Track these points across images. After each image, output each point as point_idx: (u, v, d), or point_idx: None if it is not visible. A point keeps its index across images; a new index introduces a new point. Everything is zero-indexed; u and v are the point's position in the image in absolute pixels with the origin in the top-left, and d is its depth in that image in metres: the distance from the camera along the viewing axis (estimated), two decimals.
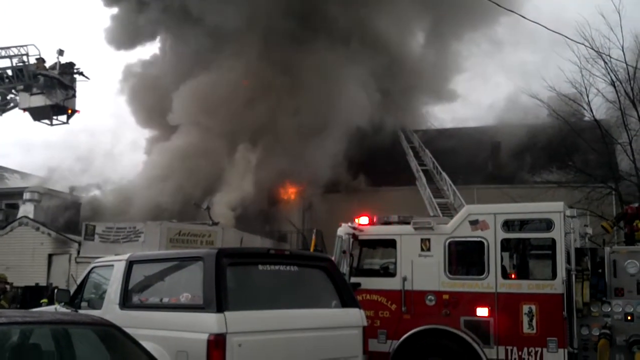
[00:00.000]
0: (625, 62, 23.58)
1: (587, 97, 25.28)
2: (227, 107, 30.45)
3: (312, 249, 21.83)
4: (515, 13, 16.02)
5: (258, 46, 31.98)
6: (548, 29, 16.33)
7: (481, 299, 10.41)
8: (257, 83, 31.25)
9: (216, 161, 30.65)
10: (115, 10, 35.57)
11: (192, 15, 32.11)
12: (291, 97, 31.90)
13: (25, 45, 33.85)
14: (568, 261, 10.16)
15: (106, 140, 48.72)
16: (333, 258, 10.25)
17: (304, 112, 31.87)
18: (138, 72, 36.05)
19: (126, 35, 35.28)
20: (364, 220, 11.67)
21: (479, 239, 10.64)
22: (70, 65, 34.53)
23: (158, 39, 36.00)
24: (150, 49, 36.84)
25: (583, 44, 22.78)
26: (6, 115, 35.51)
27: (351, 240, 11.35)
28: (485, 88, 63.72)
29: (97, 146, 38.14)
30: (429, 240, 10.99)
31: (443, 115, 40.72)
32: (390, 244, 11.37)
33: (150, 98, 33.53)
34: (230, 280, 7.39)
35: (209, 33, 31.95)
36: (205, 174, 30.11)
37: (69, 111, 34.45)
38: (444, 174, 28.74)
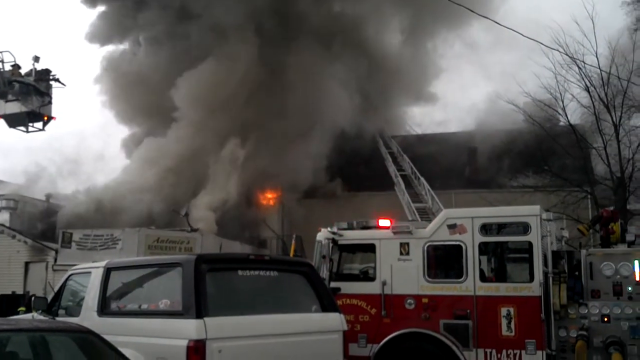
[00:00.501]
0: (599, 68, 23.98)
1: (562, 103, 25.69)
2: (221, 105, 30.42)
3: (291, 254, 21.82)
4: (490, 19, 16.12)
5: (252, 44, 31.94)
6: (523, 35, 16.49)
7: (460, 302, 10.47)
8: (248, 82, 31.21)
9: (204, 159, 30.53)
10: (99, 9, 35.50)
11: (190, 12, 31.94)
12: (277, 97, 31.94)
13: (0, 52, 33.48)
14: (545, 264, 10.26)
15: (84, 146, 48.11)
16: (313, 263, 10.25)
17: (288, 114, 31.93)
18: (119, 66, 35.51)
19: (114, 31, 35.11)
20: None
21: (457, 243, 10.71)
22: (46, 71, 34.18)
23: (141, 36, 35.62)
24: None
25: (557, 50, 23.16)
26: None
27: (331, 245, 11.37)
28: (461, 93, 64.10)
29: (74, 152, 37.56)
30: (407, 244, 11.03)
31: (421, 118, 40.91)
32: (369, 248, 11.40)
33: (133, 93, 33.18)
34: (210, 286, 7.37)
35: (208, 28, 31.82)
36: (193, 172, 29.98)
37: (45, 118, 34.06)
38: (422, 179, 28.92)
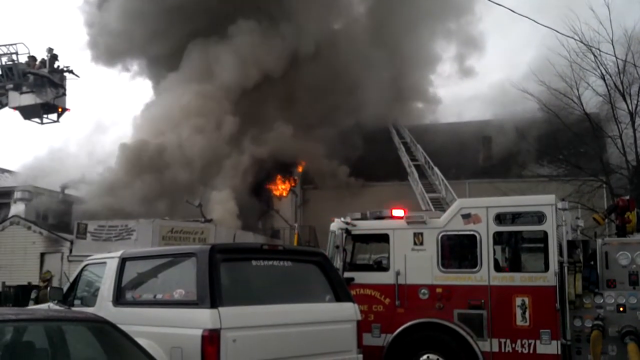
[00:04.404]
0: (615, 56, 23.76)
1: (577, 91, 25.47)
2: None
3: (295, 243, 21.98)
4: (506, 7, 15.97)
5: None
6: (538, 22, 16.40)
7: (474, 291, 10.44)
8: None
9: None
10: None
11: None
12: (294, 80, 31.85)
13: (15, 44, 33.66)
14: (560, 253, 10.20)
15: (97, 137, 48.33)
16: (326, 253, 10.25)
17: (304, 100, 31.86)
18: None
19: None
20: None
21: (471, 233, 10.66)
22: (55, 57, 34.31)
23: None
24: None
25: (573, 38, 22.99)
26: None
27: (344, 235, 11.36)
28: (475, 81, 63.66)
29: (89, 143, 37.77)
30: (421, 234, 10.99)
31: (437, 106, 40.64)
32: (383, 238, 11.38)
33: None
34: (224, 276, 7.39)
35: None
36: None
37: (60, 109, 34.29)
38: (435, 168, 28.89)
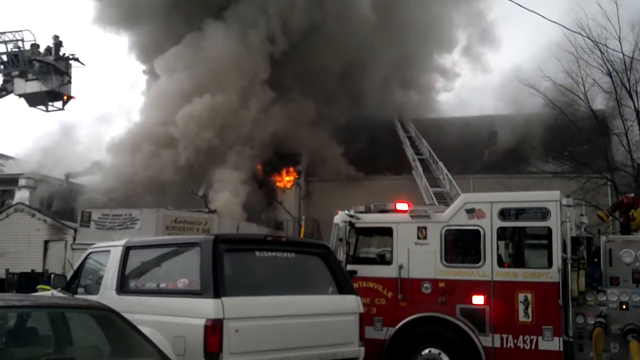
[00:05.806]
0: (622, 53, 23.65)
1: (584, 88, 25.36)
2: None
3: (302, 236, 22.01)
4: (512, 1, 15.88)
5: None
6: (545, 17, 16.33)
7: (477, 287, 10.43)
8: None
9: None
10: None
11: None
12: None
13: (20, 31, 33.65)
14: (564, 250, 10.16)
15: (102, 125, 48.25)
16: (330, 245, 10.25)
17: (310, 87, 31.72)
18: None
19: None
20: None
21: (475, 228, 10.63)
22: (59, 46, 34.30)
23: None
24: None
25: (580, 34, 22.86)
26: (1, 101, 35.41)
27: (348, 228, 11.36)
28: (481, 76, 63.42)
29: (94, 131, 37.74)
30: (425, 228, 10.97)
31: (442, 98, 40.49)
32: (386, 232, 11.36)
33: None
34: (228, 266, 7.41)
35: None
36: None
37: (65, 97, 34.33)
38: (440, 163, 28.86)
